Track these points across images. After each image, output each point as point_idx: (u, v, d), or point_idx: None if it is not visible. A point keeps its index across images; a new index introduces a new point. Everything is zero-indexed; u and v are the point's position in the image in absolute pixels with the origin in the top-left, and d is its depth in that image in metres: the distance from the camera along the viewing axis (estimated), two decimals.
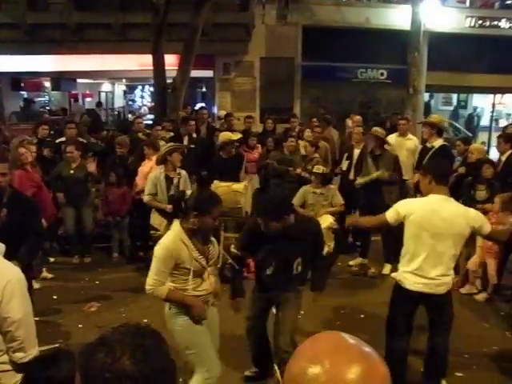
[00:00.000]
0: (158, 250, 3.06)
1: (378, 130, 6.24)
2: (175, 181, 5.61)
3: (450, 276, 3.47)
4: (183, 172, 5.69)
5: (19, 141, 6.35)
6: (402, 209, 3.46)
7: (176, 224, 3.13)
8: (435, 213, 3.33)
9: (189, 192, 3.25)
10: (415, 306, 3.62)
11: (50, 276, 5.98)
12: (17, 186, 5.39)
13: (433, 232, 3.32)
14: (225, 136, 6.82)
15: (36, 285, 5.59)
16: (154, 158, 6.12)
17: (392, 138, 7.37)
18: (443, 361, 3.62)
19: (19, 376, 2.27)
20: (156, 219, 5.64)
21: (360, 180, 6.21)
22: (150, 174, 5.80)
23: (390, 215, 3.49)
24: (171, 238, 3.09)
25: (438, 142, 5.99)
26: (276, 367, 0.80)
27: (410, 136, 7.44)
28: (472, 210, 3.50)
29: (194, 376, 3.21)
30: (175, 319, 3.17)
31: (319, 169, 6.02)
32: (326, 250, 3.79)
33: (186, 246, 3.05)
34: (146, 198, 5.65)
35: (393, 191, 6.14)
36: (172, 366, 1.11)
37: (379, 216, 3.65)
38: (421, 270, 3.38)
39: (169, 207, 5.52)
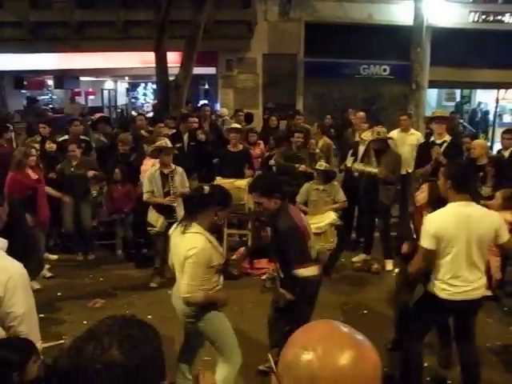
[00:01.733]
0: (195, 255, 2.97)
1: (380, 131, 6.25)
2: (170, 177, 5.66)
3: (484, 278, 3.40)
4: (179, 168, 5.73)
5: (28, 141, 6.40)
6: (434, 230, 3.25)
7: (195, 225, 3.08)
8: (462, 219, 3.24)
9: (207, 188, 3.25)
10: (450, 316, 3.54)
11: (48, 274, 5.92)
12: (8, 188, 5.43)
13: (465, 239, 3.23)
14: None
15: (36, 285, 5.42)
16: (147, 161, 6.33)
17: (394, 134, 7.39)
18: (478, 368, 3.54)
19: None
20: (152, 216, 5.69)
21: (357, 166, 6.24)
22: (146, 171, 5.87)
23: (428, 243, 3.25)
24: (202, 240, 3.04)
25: (448, 137, 5.98)
26: (270, 356, 0.82)
27: (412, 131, 7.46)
28: (496, 213, 3.47)
29: (218, 369, 3.28)
30: (201, 317, 3.17)
31: (321, 165, 6.02)
32: (309, 273, 3.35)
33: (211, 243, 3.11)
34: (145, 195, 5.70)
35: (390, 190, 6.17)
36: (161, 354, 1.13)
37: (419, 253, 3.36)
38: (459, 277, 3.28)
39: (166, 200, 5.56)
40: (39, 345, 2.27)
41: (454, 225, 3.24)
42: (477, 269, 3.32)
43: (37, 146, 6.29)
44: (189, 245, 3.00)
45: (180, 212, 5.63)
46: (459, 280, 3.29)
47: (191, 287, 2.99)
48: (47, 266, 6.08)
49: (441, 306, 3.39)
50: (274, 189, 3.42)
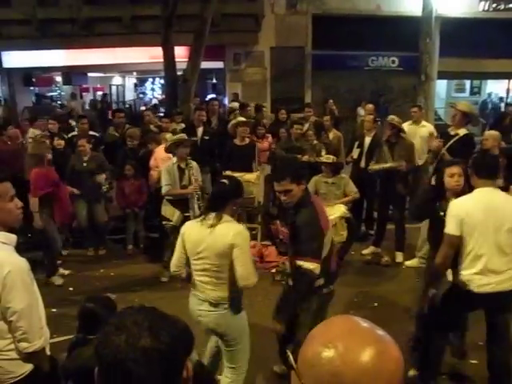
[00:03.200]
0: (245, 241, 3.02)
1: (394, 118, 6.21)
2: (186, 172, 5.67)
3: None
4: (194, 163, 5.74)
5: (38, 136, 6.42)
6: (458, 213, 3.20)
7: (226, 216, 3.08)
8: (488, 206, 3.17)
9: (226, 181, 3.24)
10: (476, 309, 3.42)
11: (66, 272, 5.99)
12: (32, 184, 5.47)
13: (491, 225, 3.14)
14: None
15: (59, 281, 5.72)
16: (157, 149, 6.42)
17: (405, 126, 7.34)
18: (509, 372, 3.38)
19: (29, 366, 2.30)
20: (168, 210, 5.70)
21: (374, 166, 6.19)
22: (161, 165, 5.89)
23: (453, 228, 3.18)
24: (240, 226, 3.11)
25: (462, 131, 5.86)
26: (289, 352, 0.81)
27: (423, 123, 7.42)
28: None
29: (228, 373, 3.23)
30: (235, 316, 3.15)
31: (329, 158, 6.00)
32: (309, 266, 3.12)
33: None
34: (165, 188, 5.66)
35: (407, 180, 6.14)
36: (181, 333, 1.17)
37: (444, 241, 3.26)
38: (488, 268, 3.18)
39: (189, 190, 5.56)
40: (41, 341, 2.26)
41: (480, 210, 3.16)
42: (507, 258, 3.20)
43: (48, 142, 6.31)
44: (232, 231, 2.99)
45: (194, 205, 5.65)
46: (488, 271, 3.18)
47: (249, 270, 2.99)
48: (58, 262, 6.13)
49: (468, 299, 3.28)
50: (303, 174, 3.34)
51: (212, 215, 3.06)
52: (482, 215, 3.16)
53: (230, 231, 2.98)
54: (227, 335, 3.14)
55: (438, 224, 3.78)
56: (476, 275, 3.22)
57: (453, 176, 3.70)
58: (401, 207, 6.23)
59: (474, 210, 3.18)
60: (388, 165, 6.01)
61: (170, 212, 5.68)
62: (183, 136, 5.77)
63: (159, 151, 6.42)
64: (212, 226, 3.01)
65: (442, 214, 3.77)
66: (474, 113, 5.85)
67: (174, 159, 5.68)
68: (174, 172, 5.62)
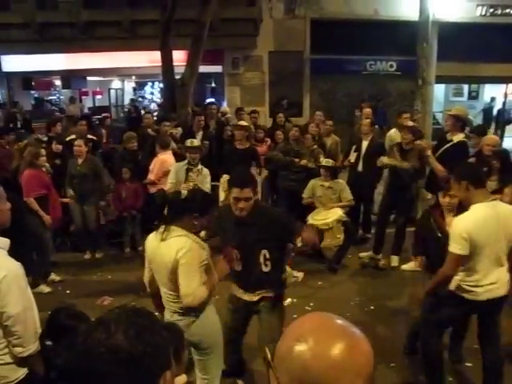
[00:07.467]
0: (189, 257, 2.79)
1: (415, 124, 6.22)
2: (193, 175, 5.82)
3: (507, 274, 3.29)
4: (205, 170, 5.93)
5: (34, 140, 6.44)
6: (464, 233, 3.09)
7: (176, 228, 2.88)
8: (492, 220, 3.13)
9: (184, 193, 3.06)
10: (473, 314, 3.46)
11: (57, 278, 5.92)
12: (24, 185, 5.47)
13: (496, 238, 3.14)
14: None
15: (47, 289, 5.61)
16: (162, 155, 6.54)
17: (392, 133, 7.40)
18: (501, 368, 3.46)
19: (23, 370, 2.30)
20: None
21: (386, 160, 6.01)
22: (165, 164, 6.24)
23: (460, 247, 3.09)
24: (187, 241, 2.85)
25: (457, 137, 5.79)
26: (267, 349, 0.83)
27: None
28: None
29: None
30: (207, 323, 3.03)
31: (328, 162, 6.03)
32: (298, 243, 3.38)
33: (197, 243, 2.92)
34: (168, 185, 5.95)
35: (418, 184, 6.16)
36: (166, 343, 1.17)
37: (448, 259, 3.15)
38: (486, 278, 3.20)
39: (183, 186, 5.63)
40: (35, 346, 2.26)
41: (485, 228, 3.12)
42: (502, 266, 3.24)
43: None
44: (177, 247, 2.82)
45: None
46: (486, 280, 3.20)
47: (192, 290, 2.80)
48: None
49: (466, 307, 3.31)
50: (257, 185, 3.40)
51: (163, 228, 2.91)
52: (488, 232, 3.12)
53: (175, 247, 2.81)
54: (201, 343, 3.04)
55: (436, 242, 3.72)
56: (474, 286, 3.23)
57: (445, 196, 3.69)
58: (407, 213, 6.21)
59: (480, 227, 3.11)
60: (399, 163, 5.94)
61: None
62: (188, 142, 6.08)
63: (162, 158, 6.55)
64: (162, 240, 2.88)
65: (439, 234, 3.72)
66: (464, 116, 5.86)
67: (186, 161, 6.02)
68: (182, 172, 5.88)
